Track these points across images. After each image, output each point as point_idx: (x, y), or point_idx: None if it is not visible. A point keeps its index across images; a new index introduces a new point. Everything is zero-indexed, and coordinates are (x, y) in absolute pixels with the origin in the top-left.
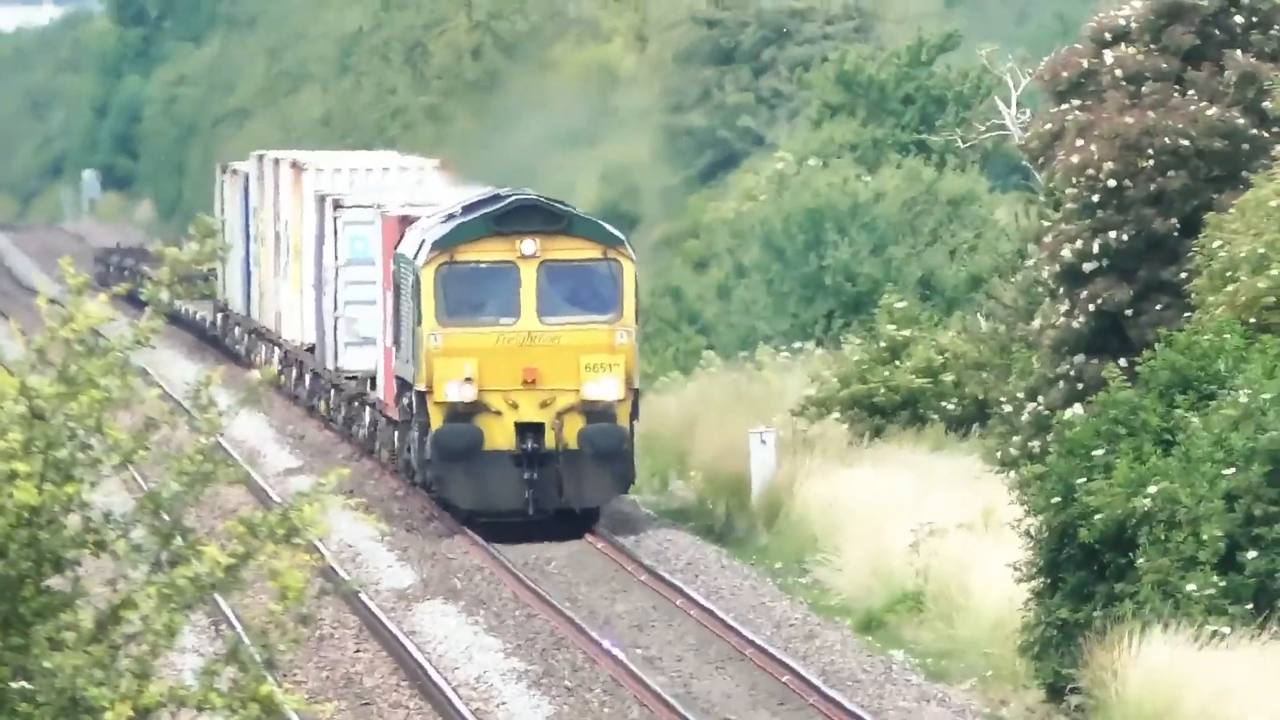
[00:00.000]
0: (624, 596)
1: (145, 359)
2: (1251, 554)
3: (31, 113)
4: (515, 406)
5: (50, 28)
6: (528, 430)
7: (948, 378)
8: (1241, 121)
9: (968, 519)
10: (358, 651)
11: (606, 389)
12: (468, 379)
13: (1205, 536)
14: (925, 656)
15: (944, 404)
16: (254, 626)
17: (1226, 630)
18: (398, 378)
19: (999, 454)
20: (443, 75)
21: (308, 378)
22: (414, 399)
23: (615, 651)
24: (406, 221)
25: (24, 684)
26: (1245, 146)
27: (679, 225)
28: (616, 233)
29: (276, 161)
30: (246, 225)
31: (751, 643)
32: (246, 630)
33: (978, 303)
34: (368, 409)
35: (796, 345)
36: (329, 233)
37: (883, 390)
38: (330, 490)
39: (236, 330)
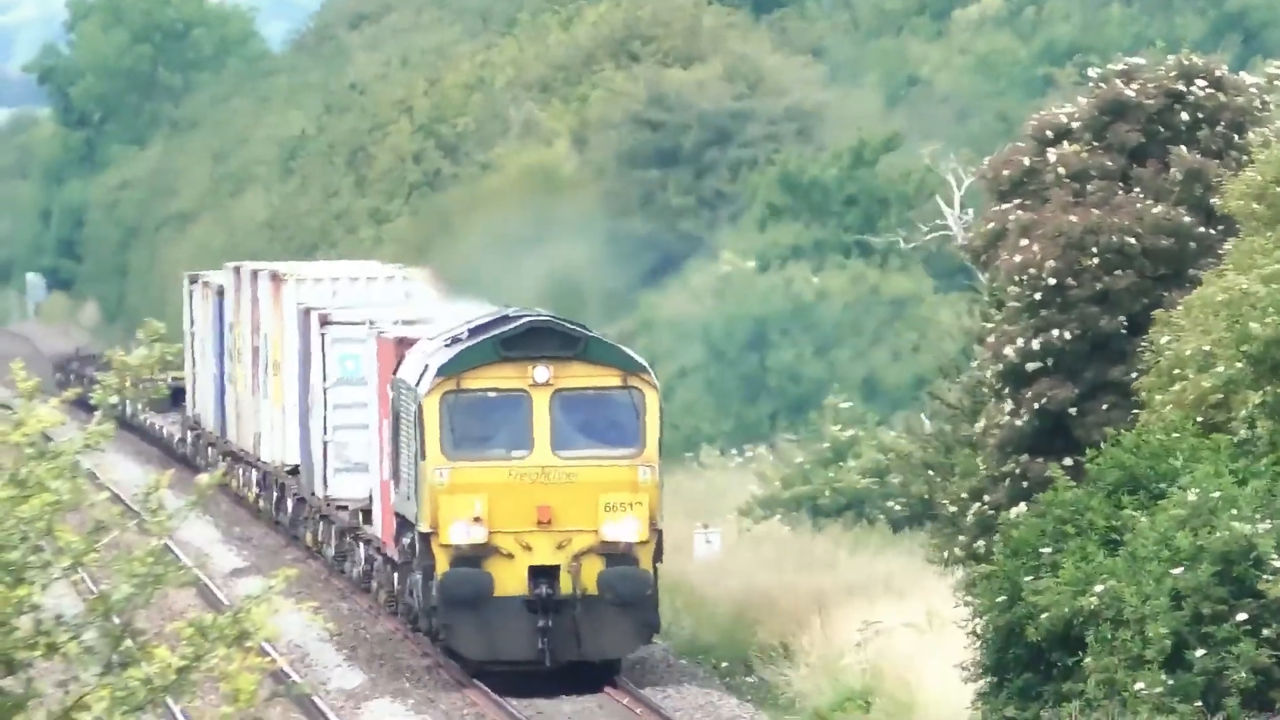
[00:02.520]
0: None
1: (93, 462)
2: (1200, 652)
3: None
4: (528, 549)
5: None
6: (542, 574)
7: (895, 479)
8: (1188, 219)
9: (913, 618)
10: None
11: (628, 530)
12: (476, 519)
13: (1151, 635)
14: None
15: (889, 504)
16: None
17: None
18: (397, 514)
19: (944, 554)
20: (384, 178)
21: (290, 502)
22: (417, 540)
23: None
24: (405, 344)
25: None
26: (1192, 245)
27: (624, 327)
28: (637, 358)
29: (255, 273)
30: (220, 340)
31: None
32: None
33: (922, 403)
34: (362, 545)
35: (742, 446)
36: (316, 351)
37: (827, 492)
38: (278, 591)
39: (210, 450)
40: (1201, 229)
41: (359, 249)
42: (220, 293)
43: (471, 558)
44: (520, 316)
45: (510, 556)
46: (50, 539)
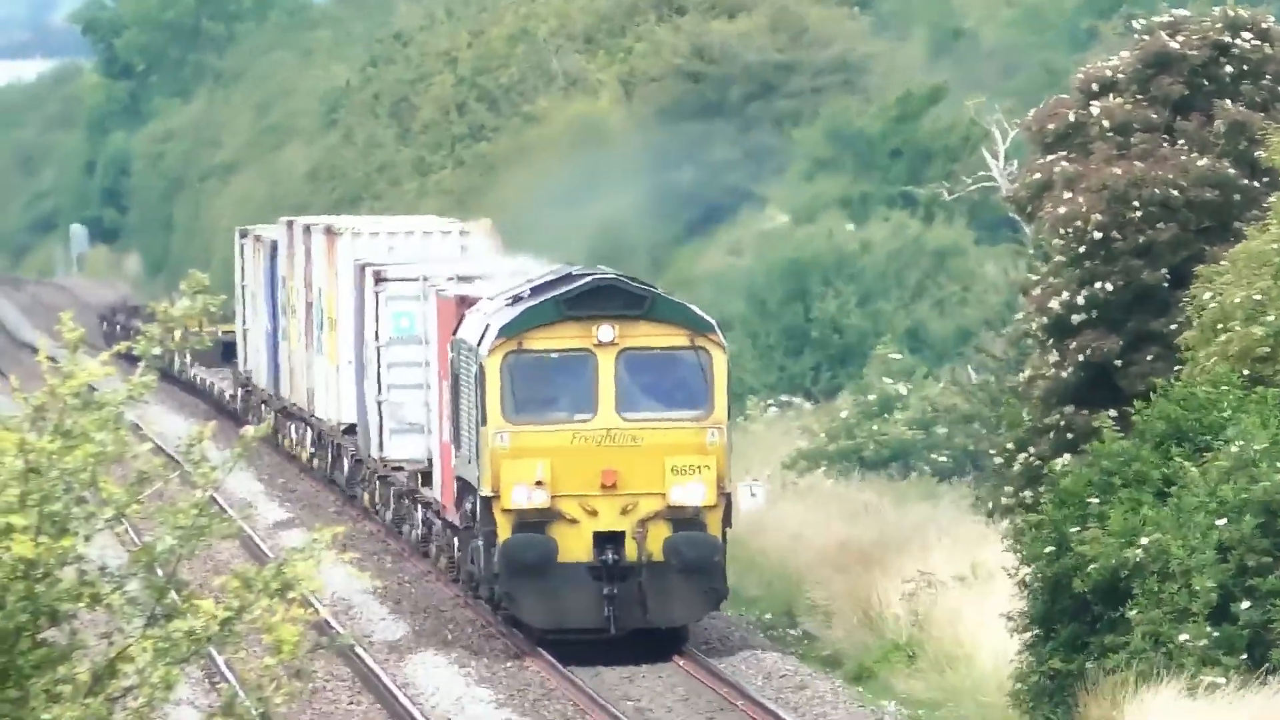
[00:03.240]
0: None
1: (136, 414)
2: (1245, 605)
3: (22, 168)
4: (593, 514)
5: (39, 83)
6: (607, 540)
7: (940, 430)
8: (1232, 172)
9: (958, 570)
10: (351, 704)
11: (695, 494)
12: (539, 483)
13: (1198, 588)
14: (917, 707)
15: (935, 455)
16: (249, 680)
17: (1221, 681)
18: (458, 478)
19: (989, 504)
20: (428, 130)
21: (346, 462)
22: (478, 504)
23: None
24: (466, 303)
25: None
26: (1236, 198)
27: (665, 280)
28: (705, 317)
29: (308, 227)
30: (272, 295)
31: (747, 696)
32: (242, 684)
33: (967, 355)
34: (420, 508)
35: (784, 399)
36: (370, 308)
37: (871, 445)
38: (325, 546)
39: (262, 408)
40: (1245, 182)
41: (402, 201)
42: (273, 247)
43: (534, 523)
44: (584, 274)
45: (574, 522)
46: (94, 490)
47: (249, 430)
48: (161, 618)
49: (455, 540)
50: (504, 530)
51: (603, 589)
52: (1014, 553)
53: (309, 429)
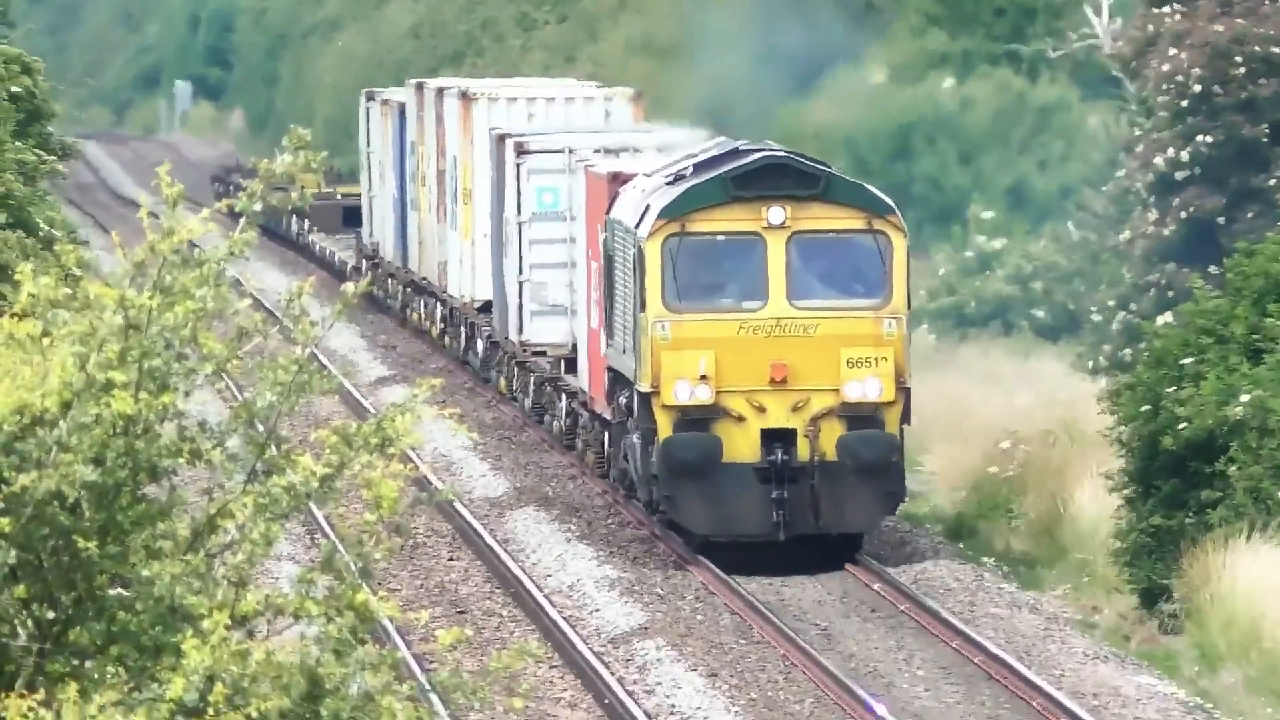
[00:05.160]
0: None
1: (238, 271)
2: None
3: (125, 24)
4: (761, 410)
5: None
6: (776, 439)
7: (1037, 285)
8: None
9: (1057, 426)
10: (451, 560)
11: (872, 389)
12: (703, 377)
13: None
14: (1016, 564)
15: (1034, 312)
16: (349, 536)
17: None
18: (610, 369)
19: (1089, 362)
20: None
21: (480, 343)
22: (635, 399)
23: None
24: (619, 179)
25: (122, 592)
26: None
27: (771, 139)
28: (885, 198)
29: (440, 91)
30: (401, 162)
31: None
32: (341, 539)
33: (1069, 212)
34: (564, 397)
35: None
36: (510, 181)
37: (972, 302)
38: (424, 400)
39: (390, 282)
40: None
41: (507, 58)
42: (401, 111)
43: (697, 420)
44: (751, 150)
45: (741, 419)
46: (194, 346)
47: (349, 287)
48: (262, 474)
49: (605, 435)
50: (664, 428)
51: (771, 492)
52: (1109, 414)
53: (439, 305)
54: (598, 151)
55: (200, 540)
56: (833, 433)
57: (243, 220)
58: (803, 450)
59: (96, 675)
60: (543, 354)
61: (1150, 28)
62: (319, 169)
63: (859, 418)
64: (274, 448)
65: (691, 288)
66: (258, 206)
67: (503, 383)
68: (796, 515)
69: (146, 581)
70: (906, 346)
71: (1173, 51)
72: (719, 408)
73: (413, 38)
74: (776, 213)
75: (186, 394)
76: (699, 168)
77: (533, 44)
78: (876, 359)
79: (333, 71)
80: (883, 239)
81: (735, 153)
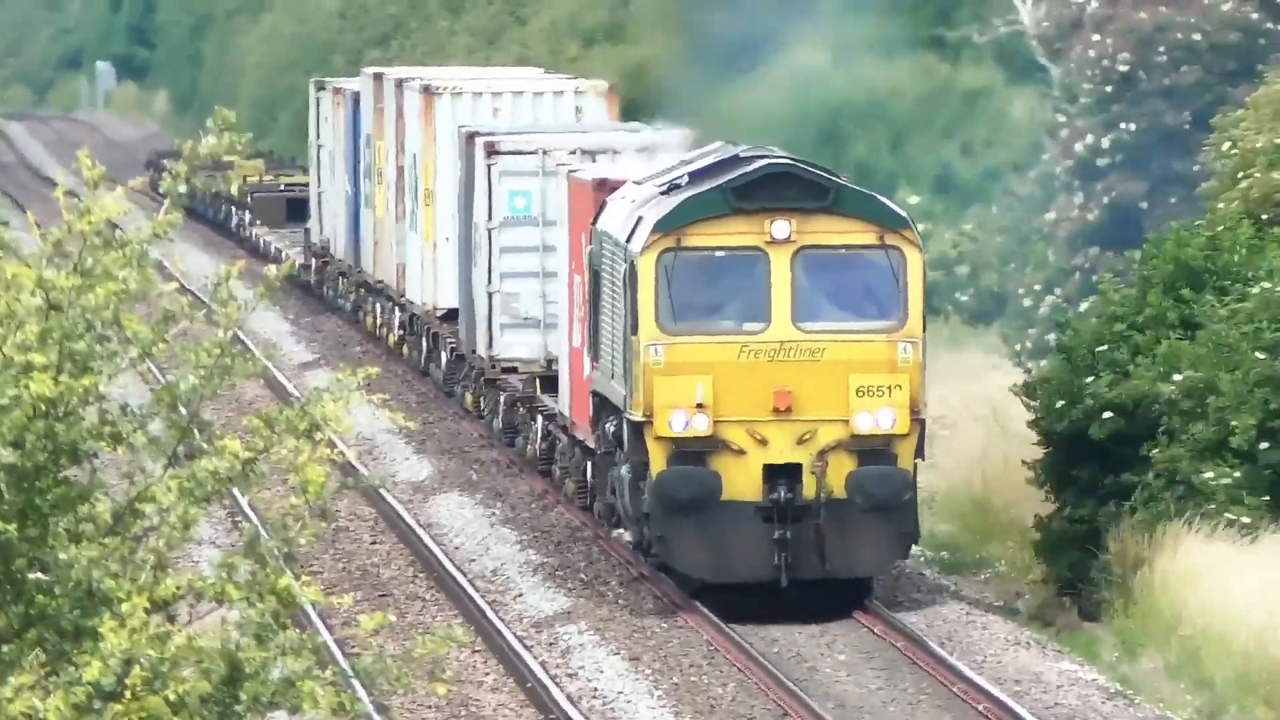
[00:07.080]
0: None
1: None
2: (1264, 445)
3: (47, 4)
4: (763, 443)
5: None
6: (779, 474)
7: (962, 269)
8: (1256, 16)
9: (981, 413)
10: (374, 544)
11: (884, 420)
12: (699, 406)
13: (1236, 424)
14: (939, 550)
15: (959, 296)
16: (272, 519)
17: (1246, 520)
18: (596, 394)
19: (1016, 347)
20: None
21: (444, 355)
22: (624, 429)
23: None
24: (605, 187)
25: (41, 575)
26: (1261, 41)
27: (698, 123)
28: (898, 210)
29: (400, 83)
30: (354, 156)
31: None
32: (264, 523)
33: (994, 195)
34: (540, 418)
35: None
36: (480, 183)
37: None
38: (353, 387)
39: (342, 281)
40: (1270, 25)
41: (434, 39)
42: (355, 101)
43: (693, 453)
44: (753, 156)
45: (741, 452)
46: (116, 329)
47: (271, 269)
48: (184, 458)
49: (589, 465)
50: (657, 462)
51: (774, 532)
52: (1026, 408)
53: (397, 310)
54: (574, 153)
55: (121, 524)
56: (841, 467)
57: (166, 201)
58: (808, 487)
59: (14, 658)
60: (514, 370)
61: (1073, 7)
62: (243, 151)
63: (870, 451)
64: (197, 432)
65: (688, 308)
66: (182, 188)
67: (469, 398)
68: (800, 557)
69: (65, 565)
70: (922, 373)
71: (1096, 37)
72: (717, 439)
73: (339, 18)
74: (781, 226)
75: (110, 377)
76: (696, 176)
77: (459, 27)
78: (890, 387)
79: (258, 52)
80: (896, 255)
81: (735, 160)
